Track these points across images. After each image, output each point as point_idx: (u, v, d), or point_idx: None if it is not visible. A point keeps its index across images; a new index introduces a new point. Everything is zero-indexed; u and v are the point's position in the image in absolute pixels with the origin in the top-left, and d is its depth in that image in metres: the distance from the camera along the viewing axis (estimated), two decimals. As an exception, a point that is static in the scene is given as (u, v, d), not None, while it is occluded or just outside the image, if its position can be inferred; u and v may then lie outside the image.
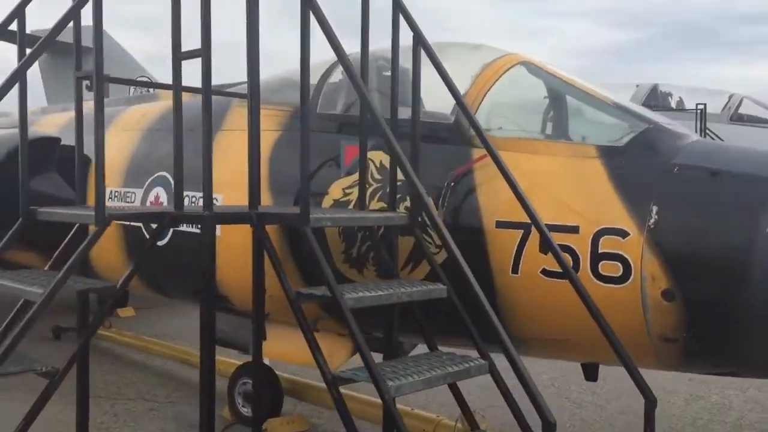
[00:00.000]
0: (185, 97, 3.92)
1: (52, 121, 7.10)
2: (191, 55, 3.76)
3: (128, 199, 5.39)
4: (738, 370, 3.84)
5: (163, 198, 5.23)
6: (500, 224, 3.96)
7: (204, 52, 3.70)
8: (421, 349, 4.23)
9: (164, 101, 5.90)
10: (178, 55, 3.81)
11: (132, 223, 5.20)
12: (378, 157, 4.36)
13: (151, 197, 5.35)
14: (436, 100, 4.47)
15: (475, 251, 3.90)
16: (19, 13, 3.87)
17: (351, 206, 4.38)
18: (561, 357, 4.54)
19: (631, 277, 3.61)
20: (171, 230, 4.83)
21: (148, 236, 5.00)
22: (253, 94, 3.82)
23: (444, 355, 3.73)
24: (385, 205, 4.26)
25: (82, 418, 4.08)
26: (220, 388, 4.70)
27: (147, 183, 5.36)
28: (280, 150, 4.74)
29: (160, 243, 4.45)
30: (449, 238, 3.60)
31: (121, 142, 5.79)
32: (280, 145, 4.77)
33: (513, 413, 3.50)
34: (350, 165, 4.41)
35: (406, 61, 4.24)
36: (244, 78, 3.86)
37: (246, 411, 5.36)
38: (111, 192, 5.43)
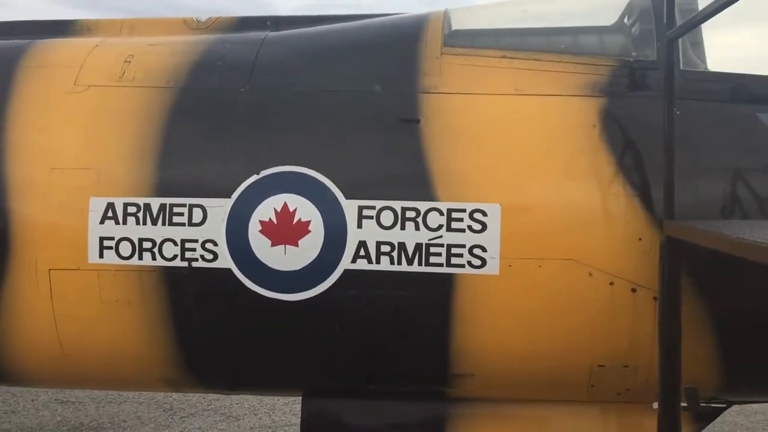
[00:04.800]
0: None
1: None
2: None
3: (177, 220, 3.14)
4: None
5: (307, 213, 3.09)
6: None
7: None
8: None
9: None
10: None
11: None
12: None
13: (263, 211, 3.10)
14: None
15: None
16: None
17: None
18: None
19: None
20: None
21: None
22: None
23: None
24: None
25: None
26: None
27: (245, 187, 3.12)
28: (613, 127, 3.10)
29: None
30: None
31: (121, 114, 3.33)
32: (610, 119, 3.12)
33: None
34: None
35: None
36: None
37: None
38: (118, 207, 3.16)
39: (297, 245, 3.09)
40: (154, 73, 3.42)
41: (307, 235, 3.09)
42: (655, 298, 2.98)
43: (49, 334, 3.30)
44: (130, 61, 3.47)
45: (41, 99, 3.41)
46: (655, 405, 3.16)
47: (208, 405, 7.53)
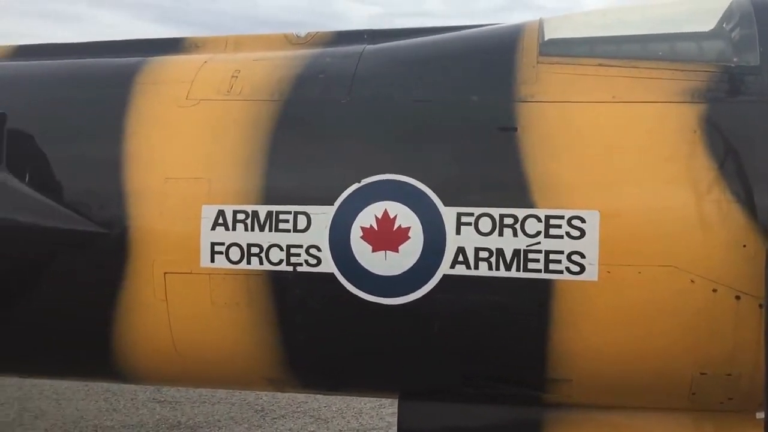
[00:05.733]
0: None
1: None
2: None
3: (282, 226, 3.29)
4: None
5: (407, 220, 3.17)
6: None
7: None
8: None
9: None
10: None
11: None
12: None
13: (364, 218, 3.21)
14: None
15: None
16: None
17: None
18: None
19: None
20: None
21: None
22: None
23: None
24: None
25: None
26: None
27: (347, 195, 3.24)
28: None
29: None
30: None
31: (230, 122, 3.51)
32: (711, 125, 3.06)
33: None
34: None
35: None
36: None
37: None
38: (228, 214, 3.33)
39: (397, 251, 3.20)
40: (259, 87, 3.60)
41: (407, 241, 3.19)
42: (760, 306, 2.94)
43: (164, 335, 3.51)
44: (237, 76, 3.66)
45: (156, 113, 3.64)
46: (759, 415, 3.12)
47: (297, 407, 7.74)
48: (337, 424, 7.29)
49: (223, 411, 7.68)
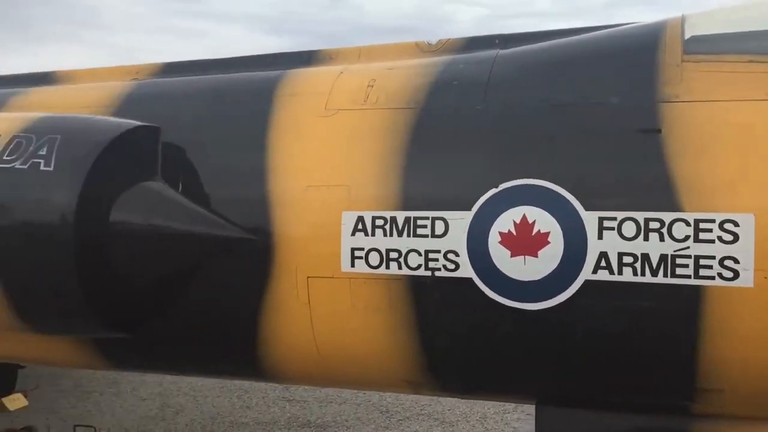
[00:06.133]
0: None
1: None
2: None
3: (420, 231, 3.32)
4: None
5: (546, 224, 3.15)
6: None
7: None
8: None
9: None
10: None
11: None
12: None
13: (502, 223, 3.20)
14: None
15: None
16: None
17: None
18: None
19: None
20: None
21: None
22: None
23: None
24: None
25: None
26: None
27: (484, 200, 3.24)
28: None
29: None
30: None
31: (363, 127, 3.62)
32: None
33: None
34: None
35: None
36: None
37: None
38: (367, 220, 3.41)
39: (536, 256, 3.18)
40: (395, 96, 3.68)
41: (547, 246, 3.17)
42: None
43: (306, 337, 3.64)
44: (372, 85, 3.76)
45: (296, 123, 3.79)
46: None
47: (421, 409, 7.82)
48: (462, 428, 7.30)
49: (349, 411, 7.86)
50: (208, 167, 3.85)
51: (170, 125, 3.91)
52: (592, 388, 3.40)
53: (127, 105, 4.25)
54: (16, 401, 7.45)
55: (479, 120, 3.48)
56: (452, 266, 3.32)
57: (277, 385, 8.30)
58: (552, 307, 3.19)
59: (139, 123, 3.83)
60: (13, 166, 3.54)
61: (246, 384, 8.78)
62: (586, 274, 3.12)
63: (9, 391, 7.44)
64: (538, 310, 3.21)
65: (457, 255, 3.30)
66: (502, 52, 3.82)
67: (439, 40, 4.14)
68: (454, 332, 3.44)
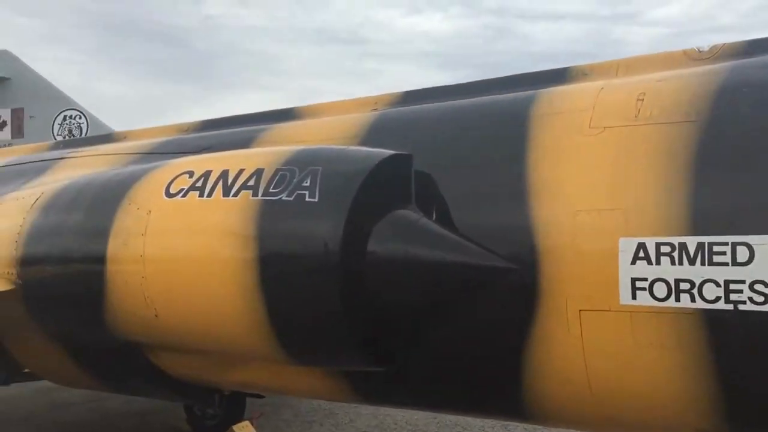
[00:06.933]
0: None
1: None
2: None
3: (718, 259, 2.95)
4: None
5: None
6: None
7: None
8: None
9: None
10: None
11: None
12: None
13: None
14: None
15: None
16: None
17: None
18: None
19: None
20: None
21: None
22: None
23: None
24: None
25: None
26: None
27: None
28: None
29: None
30: None
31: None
32: None
33: None
34: None
35: None
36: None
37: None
38: (650, 247, 3.07)
39: None
40: (672, 108, 3.31)
41: None
42: None
43: (578, 376, 3.33)
44: (642, 99, 3.42)
45: (558, 144, 3.53)
46: None
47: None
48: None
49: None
50: (462, 193, 3.69)
51: (421, 152, 3.82)
52: None
53: (374, 135, 4.22)
54: (244, 429, 7.78)
55: None
56: (761, 299, 2.87)
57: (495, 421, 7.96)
58: None
59: (391, 151, 3.76)
60: (281, 198, 3.58)
61: (462, 420, 8.53)
62: None
63: (239, 418, 7.78)
64: None
65: (766, 286, 2.85)
66: None
67: (713, 46, 3.71)
68: (763, 376, 2.97)
